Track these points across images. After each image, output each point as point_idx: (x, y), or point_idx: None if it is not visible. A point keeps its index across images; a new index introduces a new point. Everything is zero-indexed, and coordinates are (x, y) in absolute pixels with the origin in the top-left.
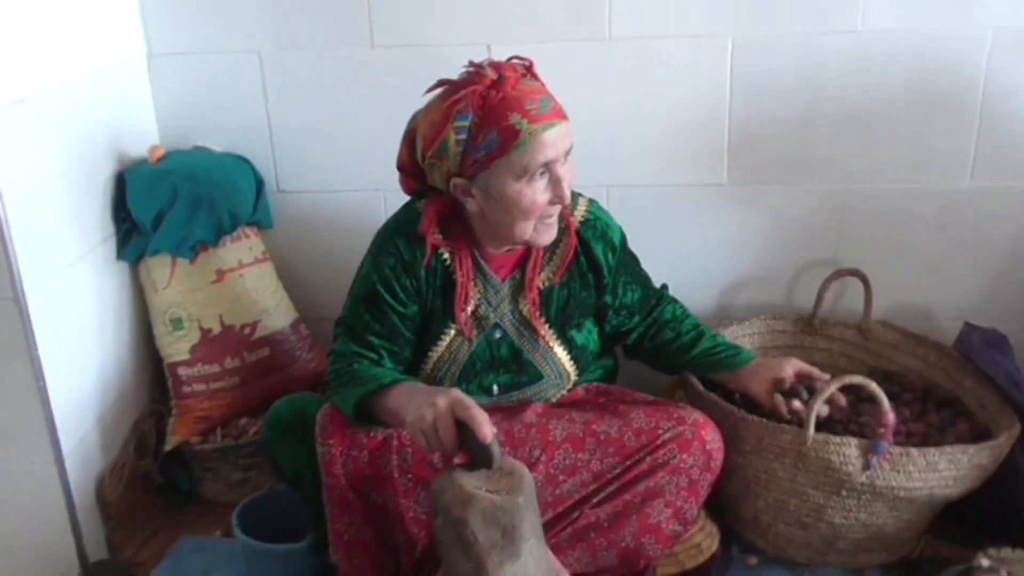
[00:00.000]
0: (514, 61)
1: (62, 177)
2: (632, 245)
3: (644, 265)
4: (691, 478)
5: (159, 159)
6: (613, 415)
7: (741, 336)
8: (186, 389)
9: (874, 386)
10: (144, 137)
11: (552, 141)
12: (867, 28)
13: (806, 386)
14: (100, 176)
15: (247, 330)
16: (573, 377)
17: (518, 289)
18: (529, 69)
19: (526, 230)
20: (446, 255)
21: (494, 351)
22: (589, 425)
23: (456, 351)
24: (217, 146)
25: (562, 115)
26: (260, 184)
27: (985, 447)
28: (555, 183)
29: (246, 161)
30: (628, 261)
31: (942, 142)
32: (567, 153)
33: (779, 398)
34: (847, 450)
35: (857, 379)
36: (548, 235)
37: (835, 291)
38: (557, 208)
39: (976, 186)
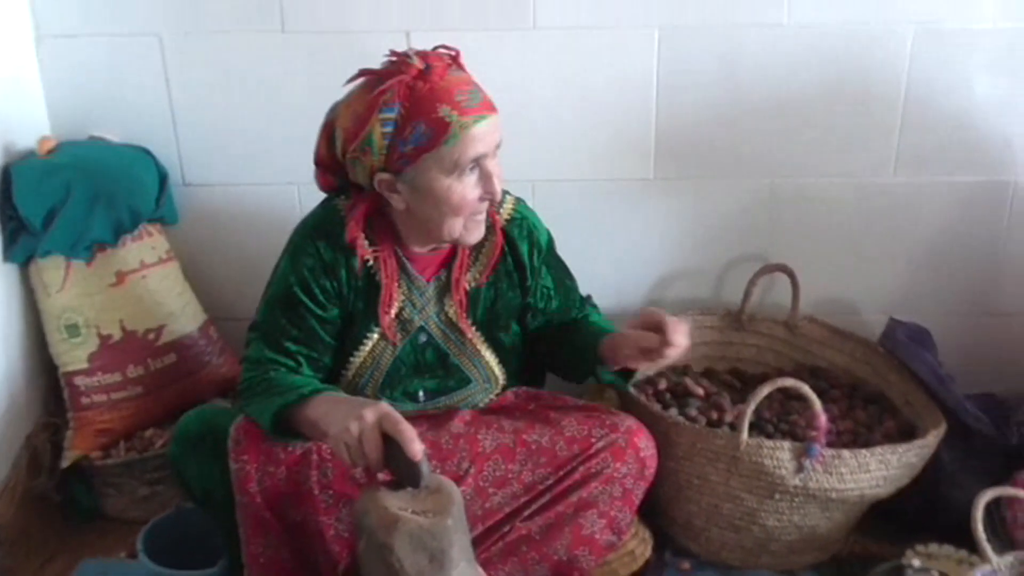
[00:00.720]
0: (440, 50)
1: None
2: (559, 242)
3: (571, 261)
4: (625, 487)
5: (49, 151)
6: (544, 423)
7: None
8: (84, 400)
9: (806, 389)
10: (33, 128)
11: (483, 135)
12: (793, 22)
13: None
14: None
15: (151, 335)
16: (501, 381)
17: (444, 290)
18: (455, 59)
19: (455, 228)
20: (367, 255)
21: (419, 355)
22: (519, 434)
23: (379, 356)
24: (115, 136)
25: (492, 107)
26: (163, 177)
27: (914, 446)
28: (485, 179)
29: (147, 152)
30: (553, 264)
31: (866, 136)
32: (497, 147)
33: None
34: (780, 454)
35: (789, 382)
36: (477, 233)
37: (764, 286)
38: (486, 205)
39: (900, 181)
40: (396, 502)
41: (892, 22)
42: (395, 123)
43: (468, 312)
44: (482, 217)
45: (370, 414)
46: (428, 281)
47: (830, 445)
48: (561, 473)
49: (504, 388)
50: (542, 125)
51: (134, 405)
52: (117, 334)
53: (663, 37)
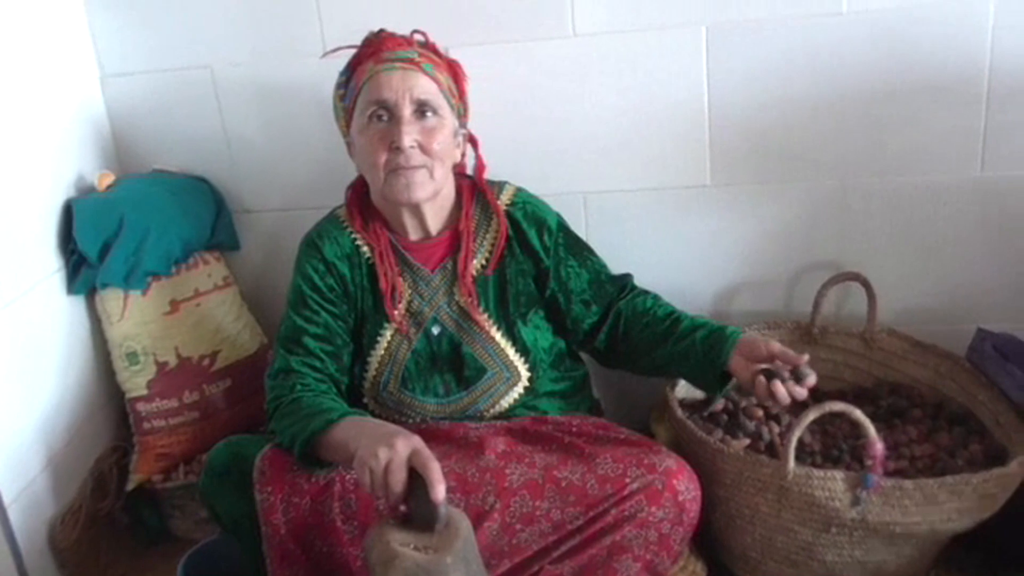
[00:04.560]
0: (415, 35)
1: (5, 209)
2: (614, 254)
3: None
4: (661, 532)
5: (108, 187)
6: (578, 458)
7: None
8: (146, 425)
9: (858, 414)
10: (100, 163)
11: (390, 82)
12: (851, 8)
13: (791, 370)
14: (48, 206)
15: (206, 361)
16: (524, 375)
17: (451, 279)
18: (426, 41)
19: (377, 181)
20: (368, 252)
21: (435, 347)
22: (550, 470)
23: (396, 351)
24: (176, 168)
25: (417, 65)
26: (220, 205)
27: (993, 475)
28: (393, 128)
29: (205, 181)
30: (569, 243)
31: (946, 128)
32: (420, 106)
33: (761, 381)
34: (832, 484)
35: (839, 406)
36: (404, 192)
37: (837, 296)
38: (401, 157)
39: (987, 176)
40: (400, 536)
41: None
42: (343, 85)
43: (479, 300)
44: (406, 174)
45: (402, 446)
46: (432, 271)
47: (904, 473)
48: (592, 514)
49: (532, 387)
50: (588, 135)
51: (191, 430)
52: (173, 361)
53: (711, 35)
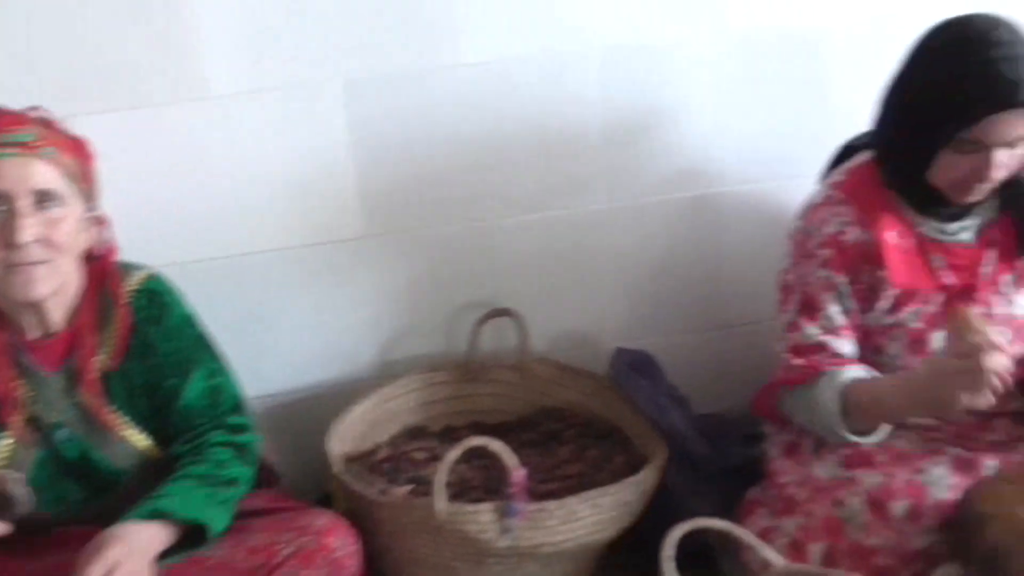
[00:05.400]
0: (33, 112)
1: None
2: (273, 322)
3: (287, 332)
4: None
5: None
6: (232, 532)
7: (399, 395)
8: None
9: (495, 446)
10: None
11: (4, 170)
12: (473, 60)
13: None
14: None
15: None
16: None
17: (74, 379)
18: (46, 118)
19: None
20: None
21: (62, 454)
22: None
23: (22, 461)
24: None
25: (35, 149)
26: None
27: (627, 484)
28: (9, 221)
29: None
30: (186, 347)
31: (573, 166)
32: (40, 196)
33: None
34: (481, 517)
35: (478, 441)
36: (23, 290)
37: (495, 332)
38: (19, 254)
39: (613, 207)
40: None
41: (576, 48)
42: None
43: (107, 400)
44: (30, 269)
45: None
46: (52, 372)
47: (557, 494)
48: None
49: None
50: (235, 196)
51: None
52: None
53: (349, 89)
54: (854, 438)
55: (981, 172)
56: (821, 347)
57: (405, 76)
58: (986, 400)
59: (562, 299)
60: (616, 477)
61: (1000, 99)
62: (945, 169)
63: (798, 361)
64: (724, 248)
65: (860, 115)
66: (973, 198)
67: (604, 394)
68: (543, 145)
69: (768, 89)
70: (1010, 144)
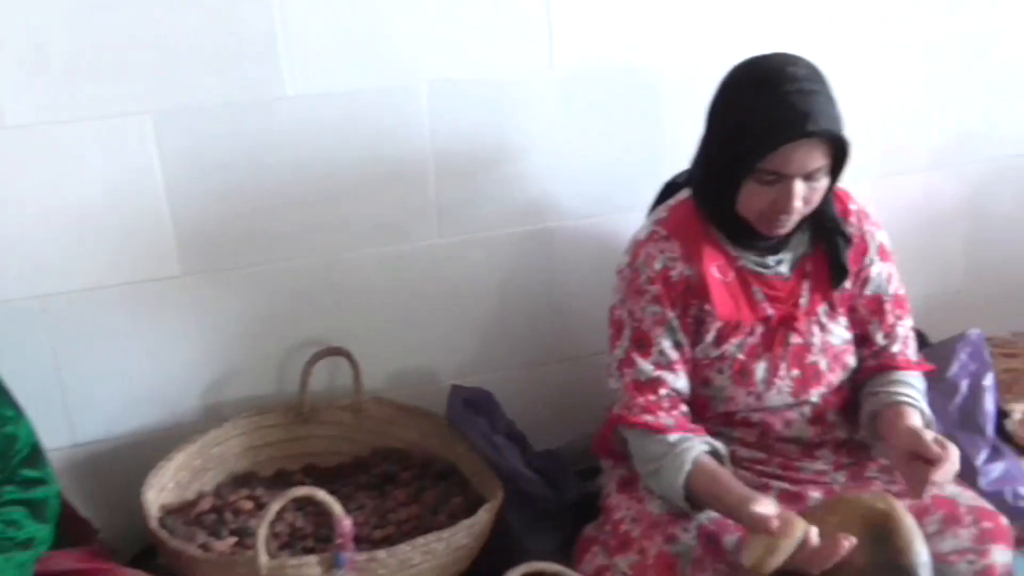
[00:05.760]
0: None
1: None
2: (78, 361)
3: (106, 373)
4: None
5: None
6: None
7: (225, 440)
8: None
9: (321, 495)
10: None
11: None
12: (298, 93)
13: None
14: None
15: None
16: None
17: None
18: None
19: None
20: None
21: None
22: None
23: None
24: None
25: None
26: None
27: (461, 528)
28: None
29: None
30: None
31: (405, 201)
32: None
33: None
34: (308, 570)
35: (303, 491)
36: None
37: (328, 372)
38: None
39: (446, 242)
40: None
41: (405, 81)
42: None
43: None
44: None
45: None
46: None
47: (391, 539)
48: None
49: None
50: (36, 233)
51: None
52: None
53: (159, 123)
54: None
55: (782, 203)
56: (657, 382)
57: (224, 109)
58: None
59: (398, 336)
60: (454, 519)
61: (793, 129)
62: (750, 201)
63: (639, 399)
64: (562, 282)
65: (693, 150)
66: (780, 230)
67: (442, 433)
68: (374, 179)
69: (603, 124)
70: (809, 176)
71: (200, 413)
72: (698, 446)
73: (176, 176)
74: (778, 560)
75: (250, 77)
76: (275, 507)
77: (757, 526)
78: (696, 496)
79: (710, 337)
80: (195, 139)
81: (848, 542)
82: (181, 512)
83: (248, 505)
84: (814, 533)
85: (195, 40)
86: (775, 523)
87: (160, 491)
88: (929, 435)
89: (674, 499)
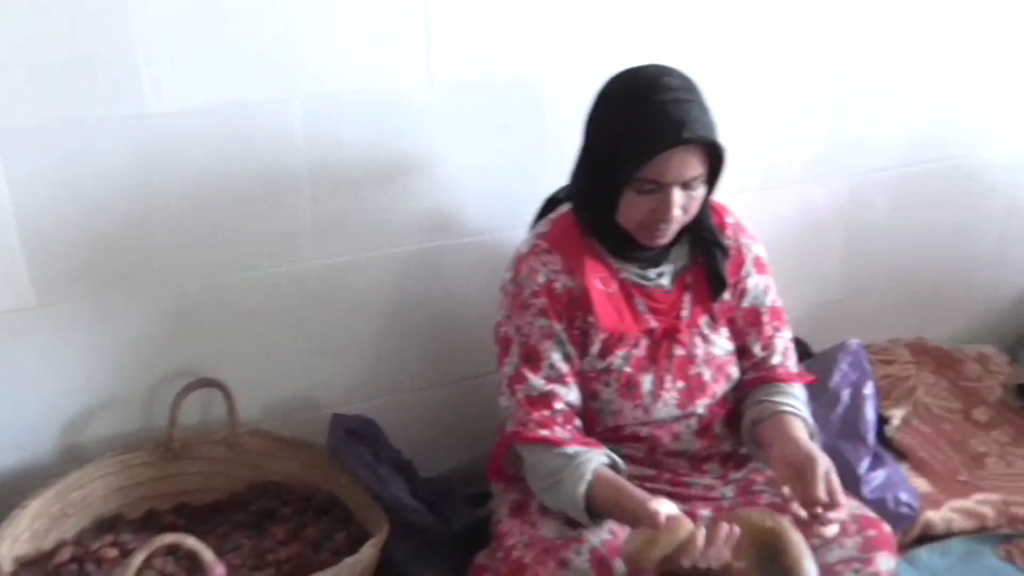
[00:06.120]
0: None
1: None
2: None
3: None
4: None
5: None
6: None
7: (88, 482)
8: None
9: (191, 542)
10: None
11: None
12: (162, 110)
13: None
14: None
15: None
16: None
17: None
18: None
19: None
20: None
21: None
22: None
23: None
24: None
25: None
26: None
27: (344, 567)
28: None
29: None
30: None
31: (278, 221)
32: None
33: None
34: None
35: (171, 538)
36: None
37: (202, 404)
38: None
39: (325, 263)
40: None
41: (276, 96)
42: None
43: None
44: None
45: None
46: None
47: None
48: None
49: None
50: None
51: None
52: None
53: (3, 144)
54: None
55: (661, 212)
56: (550, 396)
57: (76, 127)
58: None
59: (276, 363)
60: (337, 557)
61: (669, 137)
62: (629, 210)
63: (534, 415)
64: (450, 301)
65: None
66: (660, 239)
67: (323, 465)
68: (247, 198)
69: (487, 139)
70: (686, 184)
71: (59, 454)
72: (597, 457)
73: (24, 199)
74: (656, 555)
75: (109, 93)
76: (139, 557)
77: (646, 520)
78: (597, 506)
79: (595, 349)
80: (47, 160)
81: (727, 530)
82: (37, 564)
83: (112, 553)
84: (701, 535)
85: (44, 54)
86: (662, 519)
87: (14, 542)
88: (820, 470)
89: (574, 511)
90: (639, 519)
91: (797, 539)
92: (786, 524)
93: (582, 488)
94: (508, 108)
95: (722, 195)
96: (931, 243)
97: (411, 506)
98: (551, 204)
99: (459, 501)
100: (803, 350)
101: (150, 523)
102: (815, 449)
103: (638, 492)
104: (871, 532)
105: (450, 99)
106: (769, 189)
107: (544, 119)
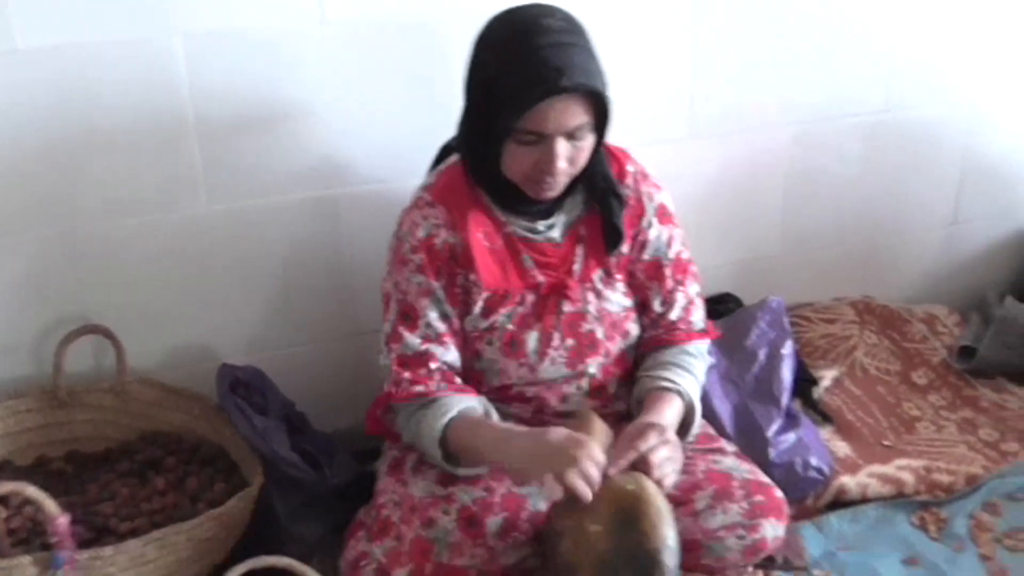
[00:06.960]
0: None
1: None
2: None
3: None
4: None
5: None
6: None
7: None
8: None
9: (31, 491)
10: None
11: None
12: (28, 47)
13: None
14: None
15: None
16: None
17: None
18: None
19: None
20: None
21: None
22: None
23: None
24: None
25: None
26: None
27: (205, 520)
28: None
29: None
30: None
31: (164, 166)
32: None
33: None
34: (21, 571)
35: (9, 487)
36: None
37: (93, 351)
38: None
39: (218, 209)
40: None
41: (157, 33)
42: None
43: None
44: None
45: None
46: None
47: (139, 531)
48: None
49: None
50: None
51: None
52: None
53: None
54: (457, 471)
55: (545, 164)
56: (426, 356)
57: None
58: (557, 493)
59: (169, 313)
60: (214, 507)
61: (546, 86)
62: (512, 163)
63: (406, 375)
64: (349, 252)
65: None
66: (548, 192)
67: (212, 417)
68: (129, 143)
69: (384, 83)
70: (571, 134)
71: None
72: (467, 400)
73: None
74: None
75: None
76: None
77: (545, 441)
78: (456, 449)
79: (478, 308)
80: None
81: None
82: None
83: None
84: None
85: None
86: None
87: None
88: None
89: (434, 456)
90: (513, 446)
91: (658, 504)
92: (649, 488)
93: (439, 425)
94: (403, 51)
95: (644, 144)
96: (881, 200)
97: (288, 459)
98: (445, 152)
99: (342, 456)
100: (735, 305)
101: (39, 469)
102: (656, 418)
103: (506, 426)
104: (758, 497)
105: (344, 40)
106: (700, 138)
107: (448, 63)
